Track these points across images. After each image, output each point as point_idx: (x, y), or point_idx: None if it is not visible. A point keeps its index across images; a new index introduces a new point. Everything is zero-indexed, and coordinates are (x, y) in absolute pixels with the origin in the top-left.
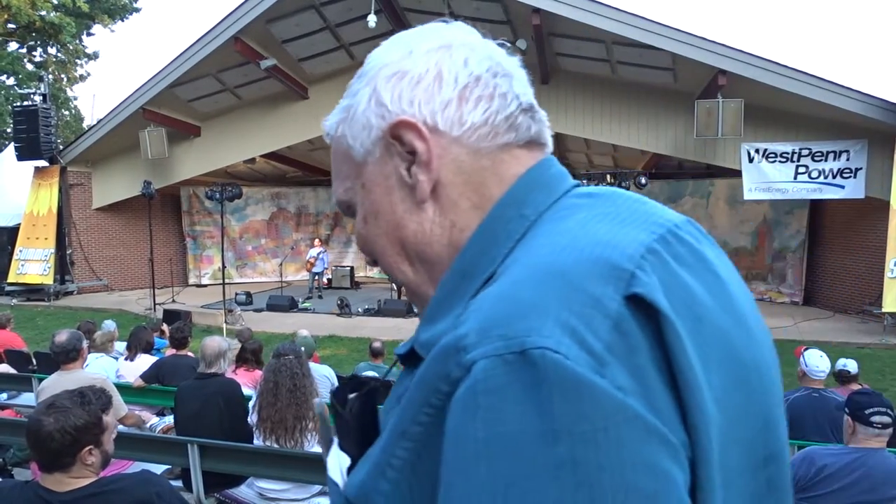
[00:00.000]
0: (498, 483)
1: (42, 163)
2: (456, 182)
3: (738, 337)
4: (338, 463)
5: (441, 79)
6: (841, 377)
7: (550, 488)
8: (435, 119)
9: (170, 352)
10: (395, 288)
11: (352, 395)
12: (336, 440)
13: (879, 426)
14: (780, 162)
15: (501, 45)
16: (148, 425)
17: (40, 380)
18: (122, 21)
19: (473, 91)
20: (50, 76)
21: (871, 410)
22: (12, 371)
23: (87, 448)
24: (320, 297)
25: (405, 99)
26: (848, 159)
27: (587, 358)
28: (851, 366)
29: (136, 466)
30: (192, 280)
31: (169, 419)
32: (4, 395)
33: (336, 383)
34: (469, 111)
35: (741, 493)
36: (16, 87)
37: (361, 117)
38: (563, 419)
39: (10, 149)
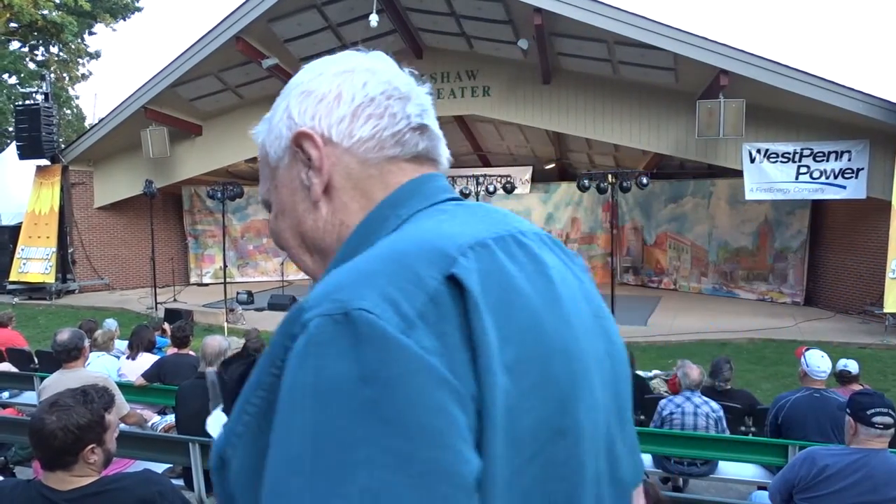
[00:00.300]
0: (319, 417)
1: (44, 162)
2: (346, 186)
3: (552, 326)
4: (218, 422)
5: (340, 98)
6: (842, 378)
7: (360, 423)
8: (330, 132)
9: (171, 351)
10: None
11: (234, 364)
12: (221, 404)
13: (881, 427)
14: (781, 162)
15: (411, 74)
16: (149, 424)
17: (42, 378)
18: (124, 20)
19: (366, 110)
20: (52, 75)
21: (873, 411)
22: (14, 370)
23: (90, 447)
24: None
25: (308, 114)
26: (849, 159)
27: (398, 321)
28: (852, 366)
29: (137, 465)
30: (193, 279)
31: (170, 418)
32: (6, 394)
33: None
34: (359, 126)
35: (532, 458)
36: (18, 86)
37: (276, 128)
38: (371, 367)
39: (12, 148)
